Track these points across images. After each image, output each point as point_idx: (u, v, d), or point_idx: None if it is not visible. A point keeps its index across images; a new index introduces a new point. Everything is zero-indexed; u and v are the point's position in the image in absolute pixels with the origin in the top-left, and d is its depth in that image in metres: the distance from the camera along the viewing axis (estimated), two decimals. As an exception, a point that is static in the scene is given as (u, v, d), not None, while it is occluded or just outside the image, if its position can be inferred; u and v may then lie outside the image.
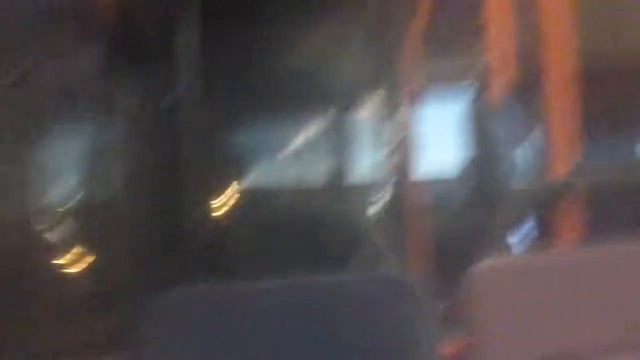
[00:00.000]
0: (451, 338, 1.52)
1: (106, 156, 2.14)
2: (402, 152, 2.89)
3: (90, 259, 2.06)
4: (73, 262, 2.09)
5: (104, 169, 2.15)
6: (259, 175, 4.71)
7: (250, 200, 1.69)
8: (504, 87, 2.01)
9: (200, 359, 1.44)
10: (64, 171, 2.15)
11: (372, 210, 4.15)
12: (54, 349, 1.36)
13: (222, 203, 2.97)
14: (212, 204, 2.79)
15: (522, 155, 1.96)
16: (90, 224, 2.13)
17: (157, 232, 2.05)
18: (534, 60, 2.07)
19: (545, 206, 1.88)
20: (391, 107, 3.86)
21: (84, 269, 2.09)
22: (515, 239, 1.88)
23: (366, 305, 1.48)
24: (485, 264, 1.51)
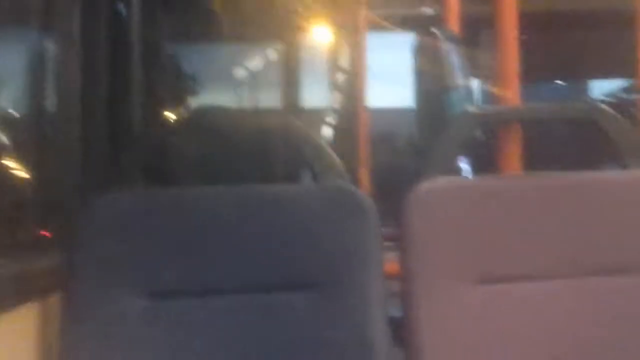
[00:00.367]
0: (393, 258, 1.53)
1: (50, 65, 2.11)
2: (356, 79, 2.94)
3: (35, 165, 2.04)
4: (15, 168, 2.08)
5: (50, 77, 2.12)
6: (213, 95, 4.73)
7: (201, 117, 1.68)
8: (455, 24, 2.08)
9: (137, 260, 1.42)
10: (9, 80, 2.11)
11: (325, 132, 4.24)
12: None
13: (173, 117, 2.96)
14: (161, 117, 2.76)
15: (467, 89, 2.03)
16: (36, 130, 2.10)
17: (103, 139, 2.03)
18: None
19: (488, 132, 1.96)
20: (346, 35, 3.90)
21: (26, 175, 2.07)
22: (459, 165, 1.95)
23: (315, 212, 1.48)
24: (426, 185, 1.53)
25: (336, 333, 1.41)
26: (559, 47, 4.73)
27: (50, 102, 2.03)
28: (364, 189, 2.20)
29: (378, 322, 1.43)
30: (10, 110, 2.15)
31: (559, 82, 6.27)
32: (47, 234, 1.94)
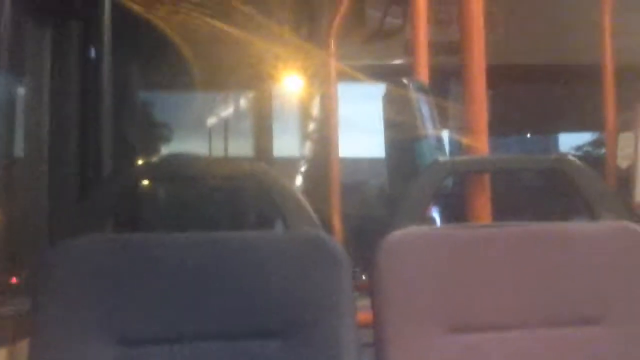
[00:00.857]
0: (365, 307, 1.54)
1: (20, 109, 2.09)
2: (326, 129, 2.95)
3: (2, 210, 2.02)
4: None
5: (18, 121, 2.10)
6: (185, 143, 4.73)
7: (172, 164, 1.67)
8: (424, 74, 2.10)
9: (105, 306, 1.40)
10: None
11: (297, 180, 4.24)
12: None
13: (142, 163, 2.95)
14: (132, 163, 2.74)
15: (437, 139, 2.04)
16: (4, 175, 2.08)
17: (72, 184, 2.01)
18: (451, 52, 2.18)
19: (459, 183, 1.97)
20: (317, 85, 3.93)
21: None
22: (429, 214, 1.95)
23: (287, 259, 1.48)
24: (396, 234, 1.54)
25: None
26: (528, 100, 4.79)
27: (18, 146, 2.02)
28: (336, 237, 2.19)
29: None
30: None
31: (528, 135, 6.34)
32: (15, 280, 1.92)
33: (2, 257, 1.92)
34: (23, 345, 1.37)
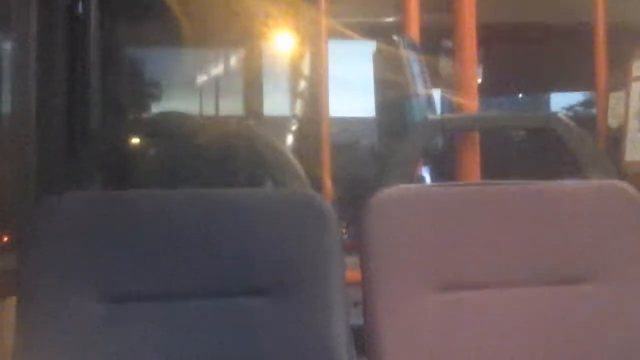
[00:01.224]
0: (353, 265, 1.53)
1: (6, 66, 2.07)
2: (318, 87, 2.94)
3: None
4: None
5: (5, 78, 2.08)
6: (174, 100, 4.70)
7: (162, 121, 1.66)
8: (415, 32, 2.08)
9: (93, 263, 1.39)
10: None
11: (287, 139, 4.23)
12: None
13: (130, 119, 2.93)
14: (120, 120, 2.73)
15: (427, 98, 2.04)
16: None
17: (60, 141, 2.00)
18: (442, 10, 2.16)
19: (448, 141, 1.97)
20: (308, 42, 3.90)
21: None
22: (418, 173, 1.96)
23: (276, 217, 1.47)
24: (384, 192, 1.54)
25: (296, 338, 1.40)
26: (519, 60, 4.77)
27: (5, 103, 2.01)
28: (326, 197, 2.19)
29: (339, 328, 1.42)
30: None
31: (519, 95, 6.33)
32: (6, 239, 1.92)
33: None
34: (12, 302, 1.37)
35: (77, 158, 1.70)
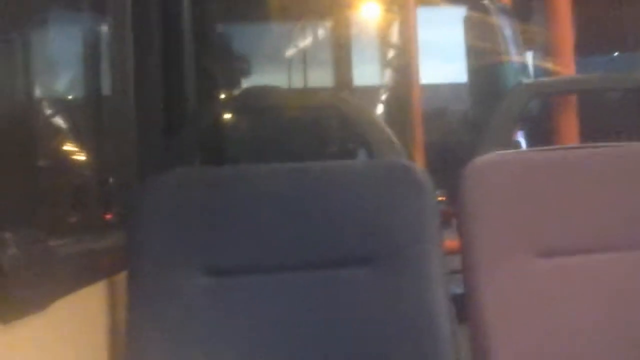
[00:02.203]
0: (450, 234, 1.53)
1: (104, 49, 2.12)
2: (407, 55, 2.92)
3: (94, 148, 2.06)
4: (75, 153, 2.10)
5: (104, 61, 2.13)
6: (265, 74, 4.75)
7: (254, 96, 1.67)
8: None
9: (196, 237, 1.43)
10: (65, 65, 2.12)
11: (378, 109, 4.23)
12: (53, 230, 1.36)
13: (225, 96, 2.97)
14: (214, 97, 2.77)
15: (521, 63, 2.00)
16: (93, 114, 2.12)
17: (158, 120, 2.04)
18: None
19: (545, 105, 1.94)
20: (396, 10, 3.87)
21: (86, 158, 2.09)
22: (515, 138, 1.93)
23: (372, 187, 1.47)
24: (482, 159, 1.52)
25: (396, 308, 1.40)
26: (613, 17, 4.63)
27: (105, 85, 2.06)
28: (419, 166, 2.19)
29: (439, 296, 1.41)
30: (68, 96, 2.18)
31: (615, 54, 6.14)
32: (109, 216, 1.97)
33: (96, 195, 1.97)
34: (122, 278, 1.42)
35: (177, 137, 1.74)
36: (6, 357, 0.97)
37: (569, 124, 1.93)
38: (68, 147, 2.08)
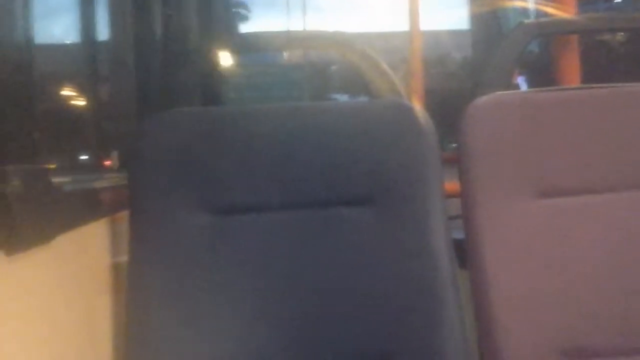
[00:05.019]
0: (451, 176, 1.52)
1: None
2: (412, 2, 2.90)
3: (95, 90, 2.06)
4: (76, 96, 2.10)
5: (102, 5, 2.11)
6: (263, 18, 4.70)
7: (257, 37, 1.65)
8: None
9: (198, 176, 1.42)
10: (62, 9, 2.11)
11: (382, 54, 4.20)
12: (56, 168, 1.36)
13: (226, 38, 2.95)
14: (214, 39, 2.76)
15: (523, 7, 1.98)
16: (91, 58, 2.11)
17: (157, 62, 2.02)
18: None
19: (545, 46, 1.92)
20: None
21: (90, 99, 2.09)
22: (517, 79, 1.91)
23: (374, 127, 1.46)
24: (482, 100, 1.52)
25: (396, 247, 1.41)
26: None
27: (103, 28, 2.05)
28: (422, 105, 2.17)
29: (440, 237, 1.41)
30: (67, 40, 2.17)
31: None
32: (108, 162, 1.98)
33: (98, 133, 1.97)
34: (123, 216, 1.43)
35: (176, 79, 1.73)
36: (9, 289, 0.98)
37: (571, 65, 1.92)
38: (68, 89, 2.08)
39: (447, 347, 1.36)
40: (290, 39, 1.77)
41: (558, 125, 1.51)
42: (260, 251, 1.41)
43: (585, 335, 1.45)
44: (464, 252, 1.48)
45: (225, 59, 2.04)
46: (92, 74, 2.09)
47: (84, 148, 2.02)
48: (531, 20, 1.80)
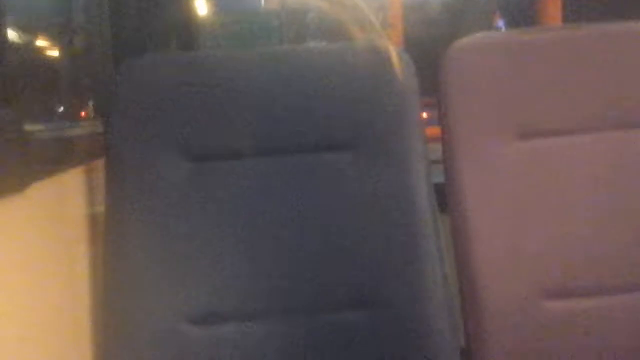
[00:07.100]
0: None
1: None
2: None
3: (68, 39, 2.03)
4: (48, 47, 2.08)
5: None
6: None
7: None
8: None
9: (175, 122, 1.41)
10: None
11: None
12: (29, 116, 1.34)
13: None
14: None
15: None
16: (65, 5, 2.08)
17: (132, 7, 1.99)
18: None
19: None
20: None
21: (64, 47, 2.07)
22: (498, 23, 1.90)
23: (352, 69, 1.45)
24: (461, 42, 1.50)
25: (377, 192, 1.40)
26: None
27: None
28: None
29: (421, 181, 1.41)
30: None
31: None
32: (84, 114, 1.96)
33: (71, 90, 1.95)
34: (99, 164, 1.41)
35: (152, 24, 1.70)
36: None
37: (553, 3, 1.89)
38: (42, 38, 2.05)
39: (427, 280, 1.37)
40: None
41: (540, 65, 1.49)
42: (239, 196, 1.40)
43: (568, 275, 1.46)
44: (445, 196, 1.48)
45: (202, 6, 2.01)
46: (65, 21, 2.05)
47: (59, 98, 1.99)
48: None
